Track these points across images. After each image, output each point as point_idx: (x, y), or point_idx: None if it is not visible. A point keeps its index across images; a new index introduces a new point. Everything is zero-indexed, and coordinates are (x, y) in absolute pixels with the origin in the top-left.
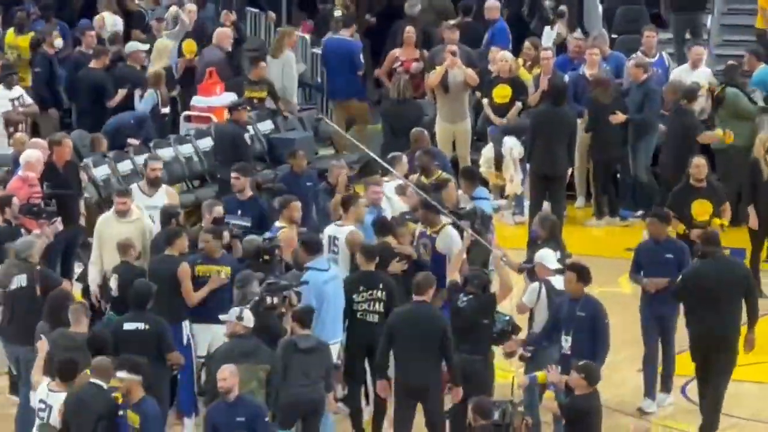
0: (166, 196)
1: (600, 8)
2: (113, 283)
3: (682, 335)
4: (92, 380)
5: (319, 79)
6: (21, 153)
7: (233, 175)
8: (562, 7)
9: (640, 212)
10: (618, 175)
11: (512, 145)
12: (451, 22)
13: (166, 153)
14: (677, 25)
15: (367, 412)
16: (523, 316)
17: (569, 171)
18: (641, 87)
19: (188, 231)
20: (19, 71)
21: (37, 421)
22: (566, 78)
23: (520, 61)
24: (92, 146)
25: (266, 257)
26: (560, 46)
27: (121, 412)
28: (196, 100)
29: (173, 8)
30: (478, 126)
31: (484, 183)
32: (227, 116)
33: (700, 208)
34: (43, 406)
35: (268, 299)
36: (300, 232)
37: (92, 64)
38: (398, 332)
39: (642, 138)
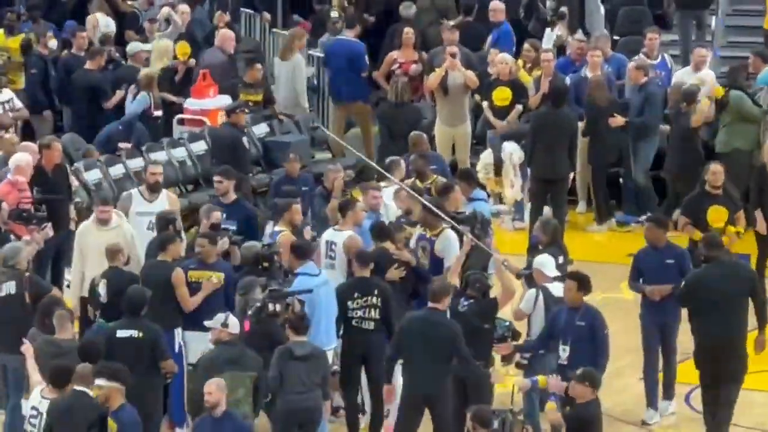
0: (167, 201)
1: (602, 9)
2: (102, 289)
3: (684, 343)
4: (77, 387)
5: (315, 81)
6: (10, 155)
7: (216, 178)
8: (563, 9)
9: (643, 217)
10: (621, 180)
11: (512, 150)
12: (451, 22)
13: (159, 157)
14: (683, 23)
15: (364, 421)
16: (522, 322)
17: (571, 175)
18: (642, 90)
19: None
20: (10, 74)
21: (29, 428)
22: (567, 80)
23: (520, 63)
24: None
25: (265, 264)
26: (560, 48)
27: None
28: (190, 103)
29: (165, 9)
30: (477, 130)
31: (482, 188)
32: (221, 119)
33: (716, 215)
34: (35, 413)
35: (271, 306)
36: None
37: (88, 65)
38: (409, 337)
39: (642, 141)
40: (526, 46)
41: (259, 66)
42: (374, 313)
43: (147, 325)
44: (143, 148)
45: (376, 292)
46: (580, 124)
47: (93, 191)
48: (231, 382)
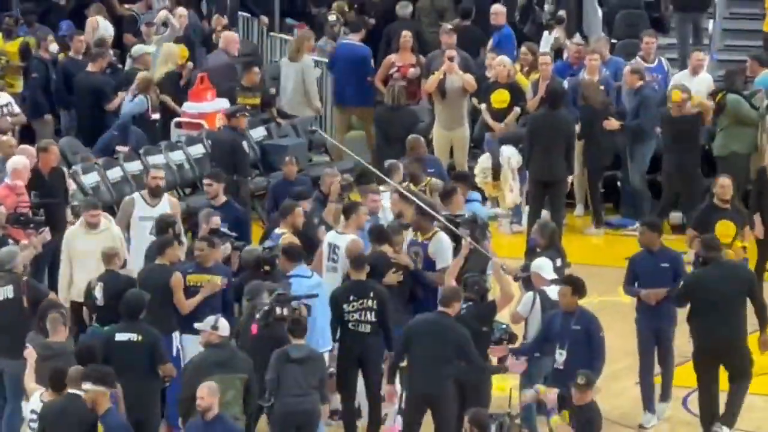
0: (169, 205)
1: (600, 12)
2: (99, 293)
3: (681, 346)
4: (71, 390)
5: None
6: (8, 158)
7: (206, 181)
8: (561, 13)
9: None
10: (618, 183)
11: (510, 155)
12: (449, 26)
13: (157, 160)
14: (681, 26)
15: (361, 424)
16: (518, 325)
17: (569, 178)
18: (637, 93)
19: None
20: (8, 78)
21: None
22: (565, 83)
23: (517, 66)
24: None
25: (266, 268)
26: (558, 52)
27: None
28: (187, 106)
29: (163, 13)
30: (474, 133)
31: (478, 190)
32: (219, 122)
33: (724, 230)
34: (34, 417)
35: (278, 310)
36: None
37: (90, 67)
38: (415, 339)
39: (637, 145)
40: (523, 49)
41: (256, 69)
42: (370, 316)
43: (146, 329)
44: (141, 152)
45: (371, 294)
46: (578, 127)
47: (90, 195)
48: (220, 385)
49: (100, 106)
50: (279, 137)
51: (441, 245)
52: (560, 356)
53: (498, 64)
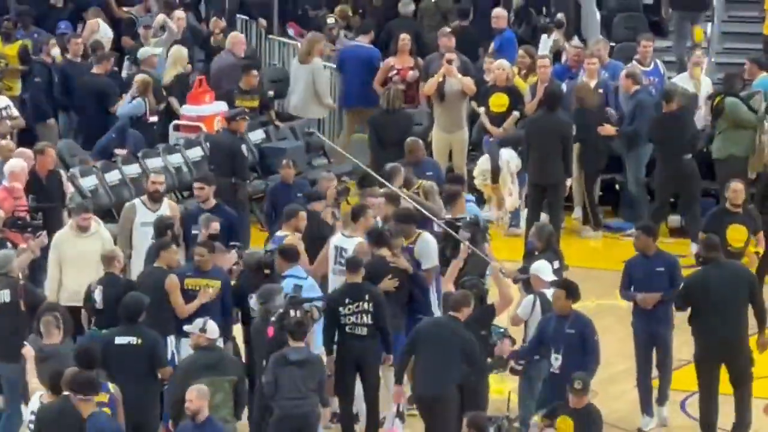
0: (169, 209)
1: (598, 15)
2: (98, 296)
3: (679, 350)
4: (67, 393)
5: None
6: (7, 161)
7: (197, 185)
8: (560, 16)
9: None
10: (617, 186)
11: (509, 158)
12: (447, 29)
13: (155, 163)
14: (679, 24)
15: (359, 428)
16: (518, 328)
17: (567, 181)
18: (632, 98)
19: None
20: (7, 81)
21: None
22: (564, 87)
23: (515, 69)
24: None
25: (267, 271)
26: (556, 55)
27: None
28: (186, 109)
29: (160, 16)
30: (473, 137)
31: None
32: (218, 125)
33: (736, 234)
34: (33, 418)
35: (292, 312)
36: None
37: (95, 69)
38: (422, 341)
39: (632, 149)
40: (520, 52)
41: (255, 72)
42: (366, 319)
43: (145, 332)
44: (139, 155)
45: (367, 297)
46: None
47: (89, 198)
48: (209, 388)
49: (104, 108)
50: (277, 140)
51: (426, 246)
52: (556, 360)
53: (497, 67)
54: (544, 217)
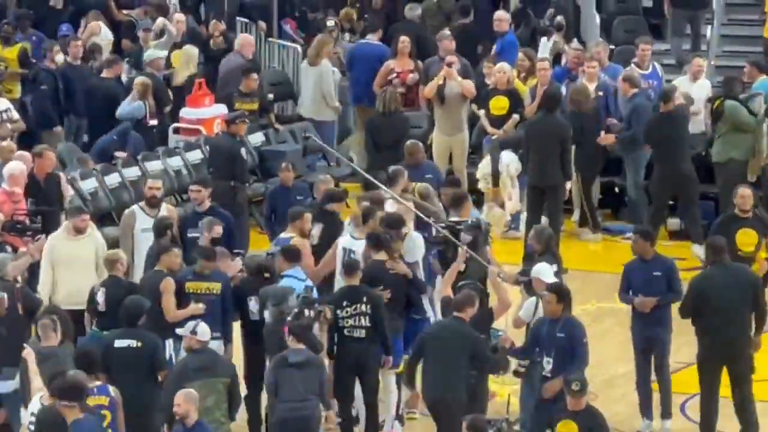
0: (167, 213)
1: (597, 18)
2: (100, 298)
3: (678, 352)
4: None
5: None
6: (7, 163)
7: (194, 187)
8: (559, 18)
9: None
10: (617, 189)
11: (508, 162)
12: (447, 32)
13: (155, 166)
14: (677, 21)
15: (358, 430)
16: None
17: (567, 184)
18: (630, 101)
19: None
20: (7, 84)
21: None
22: (563, 89)
23: (514, 72)
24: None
25: (267, 274)
26: (556, 58)
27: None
28: (185, 112)
29: (160, 19)
30: (472, 140)
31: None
32: (217, 128)
33: (745, 239)
34: (34, 419)
35: (306, 312)
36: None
37: (104, 73)
38: (428, 345)
39: (630, 154)
40: (520, 55)
41: (254, 75)
42: (364, 321)
43: (146, 335)
44: (139, 157)
45: (364, 299)
46: None
47: (89, 200)
48: (202, 390)
49: (111, 112)
50: (277, 143)
51: (413, 243)
52: (548, 364)
53: (498, 70)
54: (544, 220)
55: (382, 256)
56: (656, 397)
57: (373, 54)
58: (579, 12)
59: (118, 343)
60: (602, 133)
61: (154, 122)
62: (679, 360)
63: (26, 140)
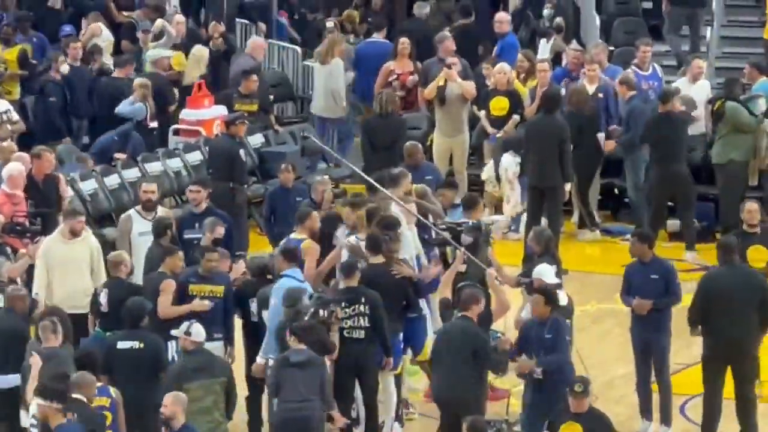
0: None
1: (597, 20)
2: (103, 299)
3: (677, 354)
4: (74, 395)
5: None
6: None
7: (194, 188)
8: (559, 20)
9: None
10: (616, 190)
11: (507, 165)
12: (447, 33)
13: (155, 167)
14: (675, 19)
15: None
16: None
17: (567, 185)
18: (627, 104)
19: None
20: (7, 85)
21: None
22: (563, 90)
23: (514, 73)
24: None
25: (270, 276)
26: (556, 58)
27: None
28: (185, 113)
29: (159, 20)
30: (472, 141)
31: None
32: (217, 129)
33: (756, 255)
34: (35, 422)
35: (321, 312)
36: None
37: (115, 73)
38: (437, 344)
39: (629, 156)
40: (519, 56)
41: (254, 77)
42: (363, 322)
43: (148, 336)
44: (139, 159)
45: (363, 300)
46: None
47: (88, 201)
48: (200, 391)
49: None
50: (277, 144)
51: (405, 240)
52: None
53: (498, 71)
54: (543, 221)
55: (379, 259)
56: (656, 398)
57: (379, 52)
58: (579, 13)
59: (121, 345)
60: (602, 134)
61: (154, 124)
62: (678, 361)
63: (26, 141)
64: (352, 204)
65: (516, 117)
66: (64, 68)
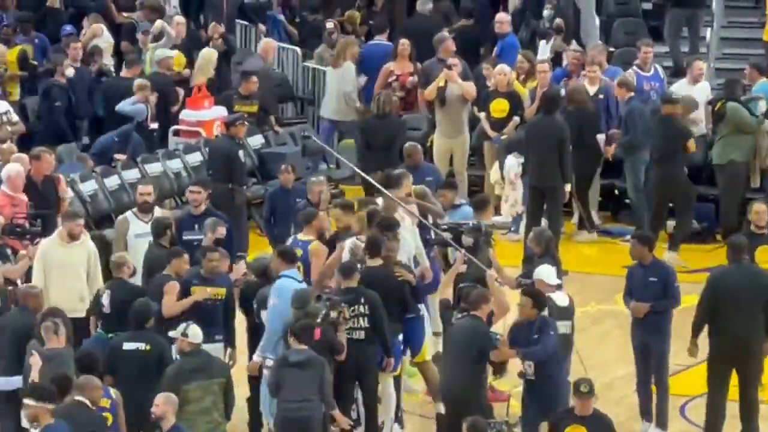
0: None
1: (597, 20)
2: (105, 300)
3: (678, 356)
4: (78, 398)
5: (312, 93)
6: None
7: (195, 188)
8: (559, 21)
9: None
10: (616, 191)
11: (510, 166)
12: (447, 34)
13: (155, 168)
14: (674, 20)
15: None
16: None
17: (567, 186)
18: (626, 106)
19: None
20: (7, 86)
21: None
22: (562, 91)
23: (514, 74)
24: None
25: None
26: (555, 60)
27: None
28: (185, 114)
29: (159, 21)
30: (472, 142)
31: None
32: (217, 130)
33: (765, 256)
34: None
35: (332, 313)
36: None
37: (124, 72)
38: (446, 344)
39: (628, 157)
40: (519, 57)
41: (254, 78)
42: (363, 322)
43: (154, 338)
44: (138, 160)
45: (362, 300)
46: None
47: (88, 202)
48: (199, 392)
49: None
50: (277, 145)
51: (403, 241)
52: (529, 368)
53: (498, 72)
54: (543, 222)
55: (377, 261)
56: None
57: (382, 53)
58: (579, 14)
59: (127, 346)
60: (602, 136)
61: (154, 125)
62: (677, 363)
63: (26, 142)
64: (343, 206)
65: (516, 118)
66: (69, 72)
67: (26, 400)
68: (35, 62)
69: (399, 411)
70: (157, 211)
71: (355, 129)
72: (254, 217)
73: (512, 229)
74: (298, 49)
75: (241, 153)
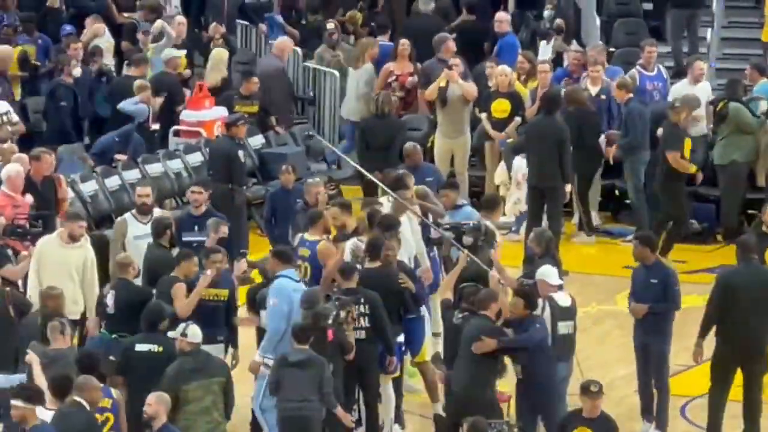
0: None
1: (597, 21)
2: (110, 300)
3: (678, 356)
4: (77, 398)
5: (312, 93)
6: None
7: (196, 188)
8: (559, 21)
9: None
10: (617, 192)
11: (518, 167)
12: (446, 35)
13: (155, 168)
14: (675, 20)
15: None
16: None
17: (567, 187)
18: (624, 107)
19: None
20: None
21: None
22: (563, 92)
23: (515, 75)
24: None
25: None
26: (555, 60)
27: None
28: (186, 114)
29: (159, 21)
30: (473, 142)
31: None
32: (217, 131)
33: None
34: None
35: (342, 313)
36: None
37: (131, 71)
38: (456, 342)
39: (628, 158)
40: (519, 57)
41: (255, 78)
42: (364, 322)
43: (166, 340)
44: (139, 160)
45: (362, 300)
46: None
47: (88, 203)
48: (199, 392)
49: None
50: (278, 146)
51: (403, 240)
52: (517, 367)
53: (500, 73)
54: (544, 223)
55: (376, 263)
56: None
57: (384, 54)
58: (579, 14)
59: (139, 347)
60: (603, 138)
61: (155, 126)
62: (678, 363)
63: (26, 142)
64: (341, 205)
65: (517, 119)
66: (77, 71)
67: (14, 401)
68: (38, 63)
69: (399, 411)
70: (157, 211)
71: None
72: (254, 218)
73: (513, 229)
74: (298, 49)
75: (241, 153)
